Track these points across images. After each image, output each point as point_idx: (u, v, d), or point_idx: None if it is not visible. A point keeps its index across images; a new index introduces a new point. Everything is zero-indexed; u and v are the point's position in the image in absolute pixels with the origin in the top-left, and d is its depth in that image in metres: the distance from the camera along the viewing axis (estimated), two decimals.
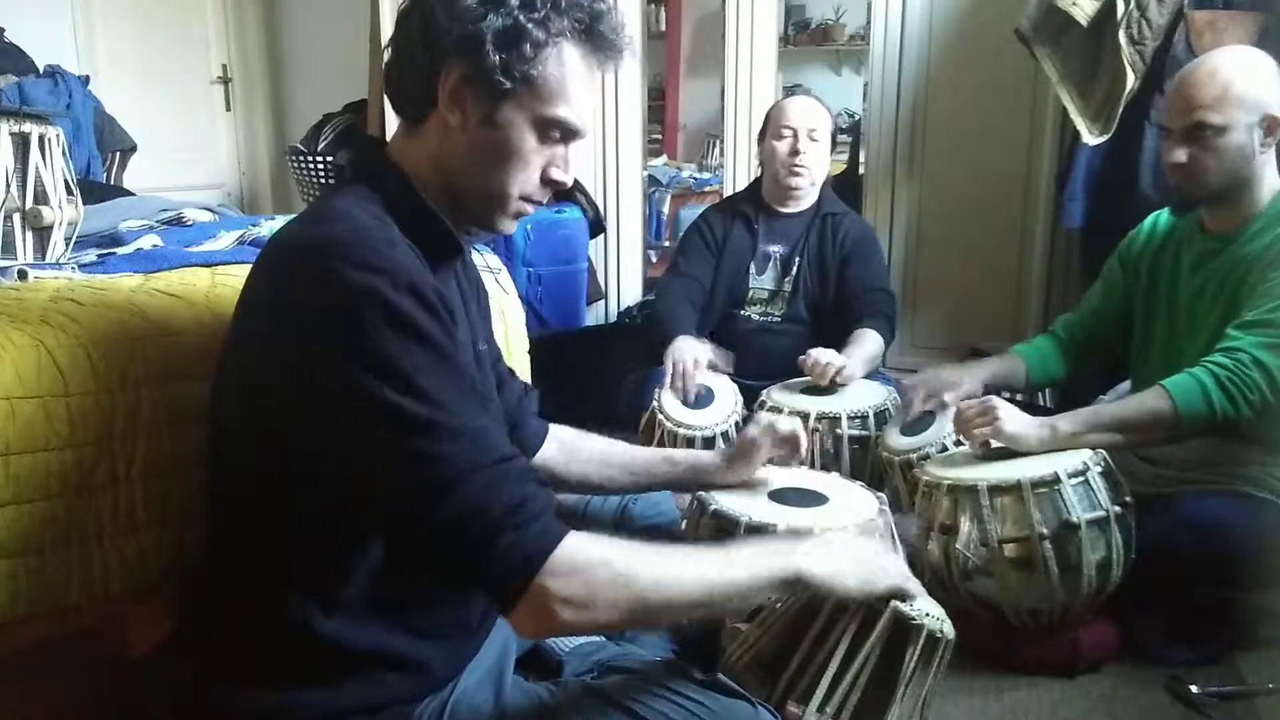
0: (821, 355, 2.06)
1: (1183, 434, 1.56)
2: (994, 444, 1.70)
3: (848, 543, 1.08)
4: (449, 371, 0.87)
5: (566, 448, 1.38)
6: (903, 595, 1.05)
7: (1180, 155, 1.64)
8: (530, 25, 0.94)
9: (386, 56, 1.02)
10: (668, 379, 2.11)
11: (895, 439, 1.86)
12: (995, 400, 1.62)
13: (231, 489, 1.00)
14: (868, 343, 2.18)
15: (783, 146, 2.36)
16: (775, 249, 2.44)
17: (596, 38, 0.98)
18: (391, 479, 0.86)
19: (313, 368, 0.86)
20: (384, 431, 0.85)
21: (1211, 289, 1.69)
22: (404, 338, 0.85)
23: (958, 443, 1.76)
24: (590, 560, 0.87)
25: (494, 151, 0.98)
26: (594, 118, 1.02)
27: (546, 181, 1.02)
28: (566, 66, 0.97)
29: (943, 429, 1.80)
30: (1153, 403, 1.55)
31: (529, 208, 1.03)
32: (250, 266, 1.02)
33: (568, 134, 1.00)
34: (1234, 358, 1.51)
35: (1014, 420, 1.58)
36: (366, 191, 0.98)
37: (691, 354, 2.12)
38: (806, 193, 2.42)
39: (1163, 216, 1.85)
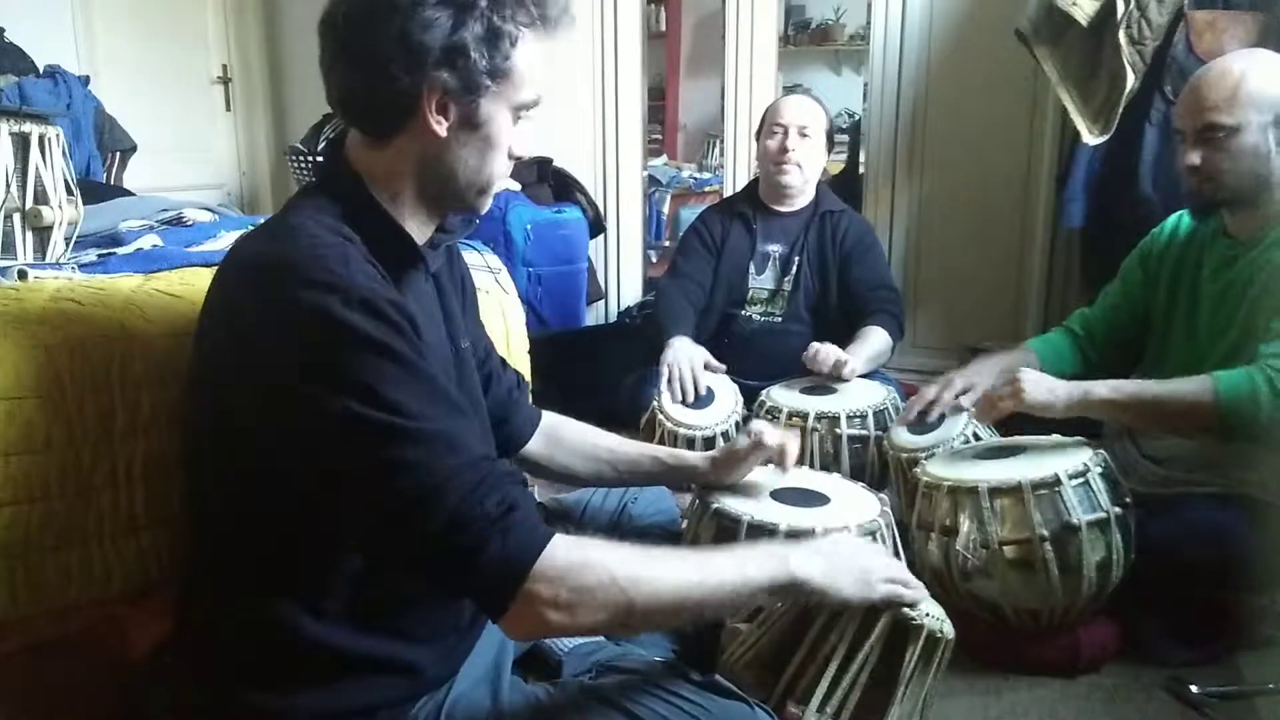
0: (825, 348, 2.07)
1: (1221, 427, 1.52)
2: (994, 441, 1.69)
3: (846, 547, 1.08)
4: (413, 379, 0.87)
5: (551, 439, 1.38)
6: (900, 604, 1.05)
7: (1194, 158, 1.63)
8: (503, 24, 0.95)
9: (336, 77, 0.98)
10: (663, 382, 2.11)
11: (904, 437, 1.86)
12: (1024, 371, 1.61)
13: (209, 494, 1.00)
14: (874, 339, 2.19)
15: (773, 143, 2.36)
16: (774, 248, 2.44)
17: (549, 20, 1.00)
18: (368, 491, 0.86)
19: (272, 388, 0.87)
20: (354, 445, 0.85)
21: (1234, 294, 1.67)
22: (360, 353, 0.85)
23: (965, 442, 1.76)
24: (577, 564, 0.87)
25: (477, 147, 1.00)
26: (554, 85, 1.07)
27: (512, 157, 1.04)
28: (530, 52, 0.99)
29: (952, 430, 1.80)
30: (1197, 389, 1.52)
31: (501, 184, 1.06)
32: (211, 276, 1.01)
33: (531, 109, 1.03)
34: None
35: (1038, 388, 1.58)
36: (326, 202, 0.98)
37: (687, 358, 2.13)
38: (799, 190, 2.42)
39: (1185, 217, 1.83)
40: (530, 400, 1.38)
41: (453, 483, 0.84)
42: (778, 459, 1.37)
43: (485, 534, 0.84)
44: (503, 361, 1.35)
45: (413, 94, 0.94)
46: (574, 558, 0.87)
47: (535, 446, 1.36)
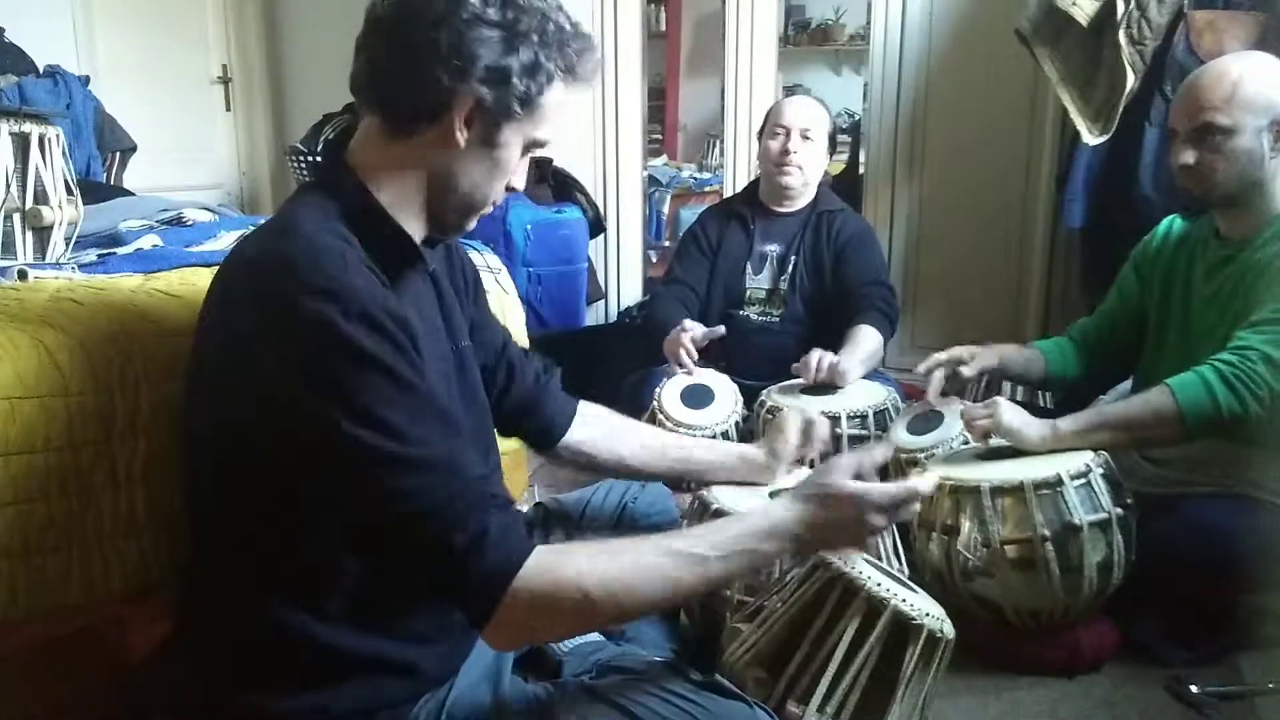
0: (813, 357, 2.05)
1: (1190, 433, 1.53)
2: (995, 442, 1.70)
3: (837, 514, 1.04)
4: (407, 398, 0.88)
5: (603, 427, 1.37)
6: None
7: (1188, 157, 1.62)
8: (545, 60, 0.98)
9: (374, 60, 1.00)
10: (674, 367, 2.14)
11: (904, 437, 1.86)
12: (1000, 399, 1.62)
13: (209, 494, 1.00)
14: (865, 340, 2.17)
15: (775, 145, 2.36)
16: (771, 248, 2.43)
17: (578, 73, 1.03)
18: (356, 508, 0.88)
19: (271, 391, 0.88)
20: (342, 460, 0.86)
21: (1225, 295, 1.67)
22: (359, 368, 0.86)
23: (965, 442, 1.76)
24: (554, 579, 0.89)
25: (486, 167, 1.01)
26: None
27: (510, 189, 1.07)
28: (557, 94, 1.01)
29: (951, 429, 1.79)
30: (1156, 401, 1.54)
31: (489, 210, 1.08)
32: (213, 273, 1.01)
33: (538, 149, 1.06)
34: (1240, 354, 1.50)
35: (1015, 416, 1.58)
36: (325, 201, 0.98)
37: (678, 333, 2.15)
38: (800, 191, 2.41)
39: (1177, 221, 1.83)
40: (560, 386, 1.37)
41: (435, 507, 0.86)
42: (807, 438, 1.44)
43: (464, 554, 0.86)
44: (525, 350, 1.35)
45: (447, 98, 0.96)
46: (546, 580, 0.88)
47: (581, 436, 1.34)
